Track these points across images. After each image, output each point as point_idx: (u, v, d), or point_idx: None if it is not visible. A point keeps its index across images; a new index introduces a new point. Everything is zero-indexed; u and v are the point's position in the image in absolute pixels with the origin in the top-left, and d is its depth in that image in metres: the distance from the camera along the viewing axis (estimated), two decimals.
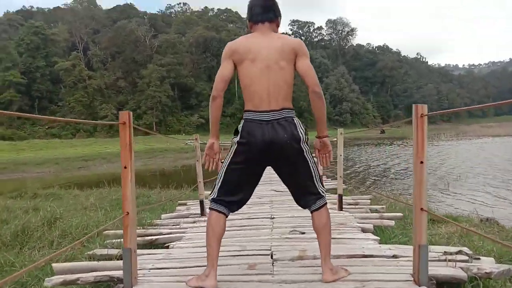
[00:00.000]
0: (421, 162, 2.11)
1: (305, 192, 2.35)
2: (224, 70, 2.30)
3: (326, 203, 2.38)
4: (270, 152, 2.22)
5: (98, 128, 59.98)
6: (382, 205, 5.07)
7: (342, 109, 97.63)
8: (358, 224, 3.76)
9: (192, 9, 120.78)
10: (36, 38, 69.32)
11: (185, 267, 2.67)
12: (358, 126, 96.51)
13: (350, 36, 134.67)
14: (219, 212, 2.33)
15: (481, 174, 14.93)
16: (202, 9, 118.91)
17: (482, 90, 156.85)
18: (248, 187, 2.38)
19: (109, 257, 3.04)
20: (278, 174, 2.41)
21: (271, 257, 2.79)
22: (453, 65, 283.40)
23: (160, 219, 4.67)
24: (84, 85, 70.83)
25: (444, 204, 9.70)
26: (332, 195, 6.32)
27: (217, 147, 2.37)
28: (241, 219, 4.27)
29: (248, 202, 4.18)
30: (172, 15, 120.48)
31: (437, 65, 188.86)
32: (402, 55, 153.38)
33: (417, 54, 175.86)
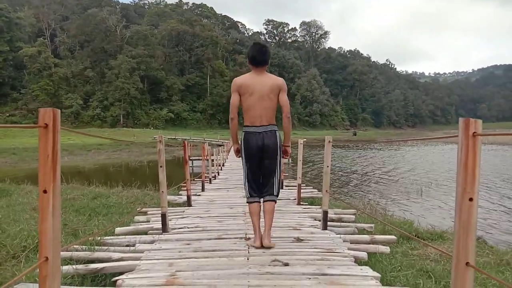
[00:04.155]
0: (470, 199, 1.50)
1: (269, 183, 3.44)
2: (234, 100, 3.36)
3: (275, 201, 3.46)
4: (261, 150, 3.34)
5: (62, 117, 57.75)
6: (369, 222, 4.51)
7: (312, 110, 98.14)
8: (349, 252, 3.17)
9: (166, 2, 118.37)
10: None
11: None
12: (327, 128, 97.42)
13: (323, 39, 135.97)
14: (255, 202, 3.41)
15: (449, 180, 15.32)
16: (177, 2, 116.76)
17: (445, 98, 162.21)
18: (259, 173, 3.44)
19: None
20: (261, 164, 3.39)
21: None
22: (419, 72, 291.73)
23: (113, 234, 3.91)
24: (50, 73, 68.11)
25: (419, 213, 9.39)
26: (311, 206, 5.75)
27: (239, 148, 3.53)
28: (210, 238, 3.61)
29: (220, 213, 5.27)
30: (146, 7, 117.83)
31: (404, 72, 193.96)
32: (372, 60, 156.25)
33: (387, 60, 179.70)
